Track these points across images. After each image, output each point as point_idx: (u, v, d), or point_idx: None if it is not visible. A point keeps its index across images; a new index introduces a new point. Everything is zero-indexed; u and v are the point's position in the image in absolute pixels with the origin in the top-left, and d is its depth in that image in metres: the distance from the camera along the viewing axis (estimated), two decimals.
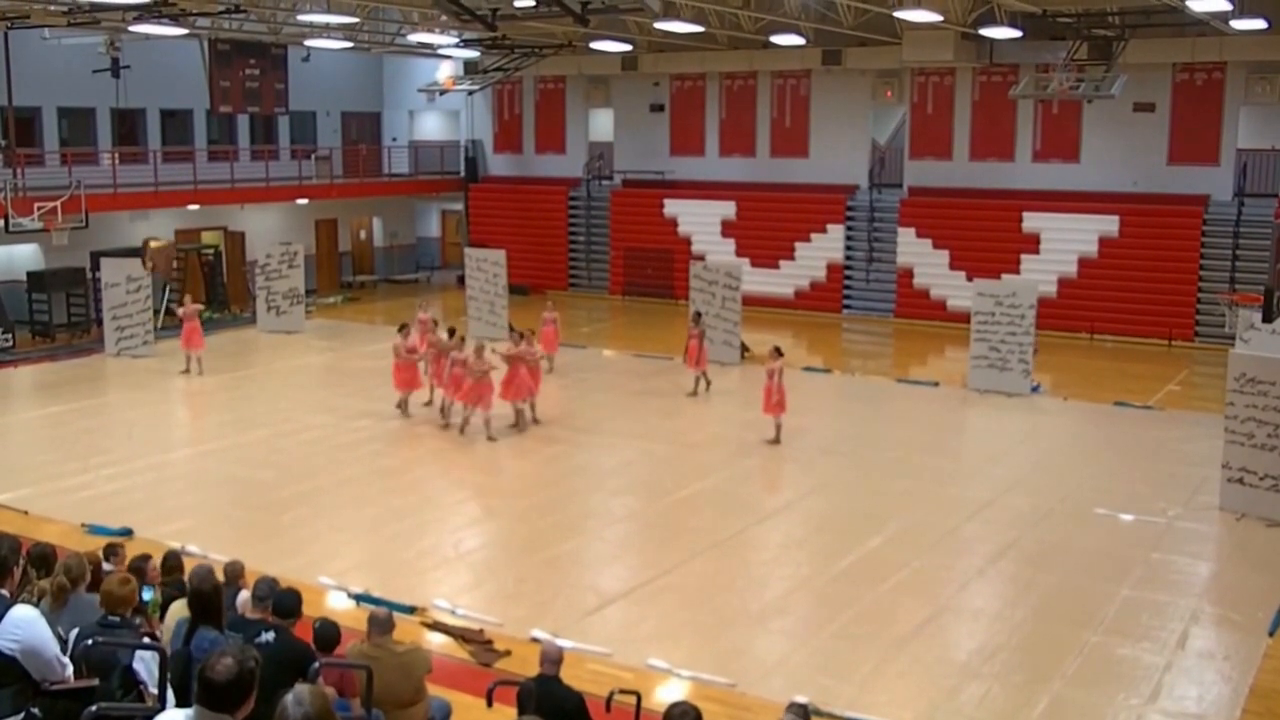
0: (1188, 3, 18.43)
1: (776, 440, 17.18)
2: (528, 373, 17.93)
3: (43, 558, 7.87)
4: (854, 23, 24.19)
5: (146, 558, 8.67)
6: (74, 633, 6.22)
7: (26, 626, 5.68)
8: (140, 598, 7.27)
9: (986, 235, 27.29)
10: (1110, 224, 26.21)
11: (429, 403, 18.99)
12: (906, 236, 28.38)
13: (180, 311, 22.38)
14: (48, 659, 5.70)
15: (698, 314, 21.56)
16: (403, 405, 18.78)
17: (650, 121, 32.36)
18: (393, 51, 32.47)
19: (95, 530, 12.94)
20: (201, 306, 23.26)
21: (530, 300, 29.02)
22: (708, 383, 20.54)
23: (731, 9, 23.55)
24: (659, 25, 23.57)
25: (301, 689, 3.97)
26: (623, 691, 7.75)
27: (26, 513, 13.86)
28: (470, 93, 33.36)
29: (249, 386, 21.70)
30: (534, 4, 19.97)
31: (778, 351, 17.36)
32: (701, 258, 28.34)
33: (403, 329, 19.04)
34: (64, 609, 6.68)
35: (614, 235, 32.47)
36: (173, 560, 9.26)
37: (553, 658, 7.37)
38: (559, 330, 22.37)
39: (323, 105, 34.15)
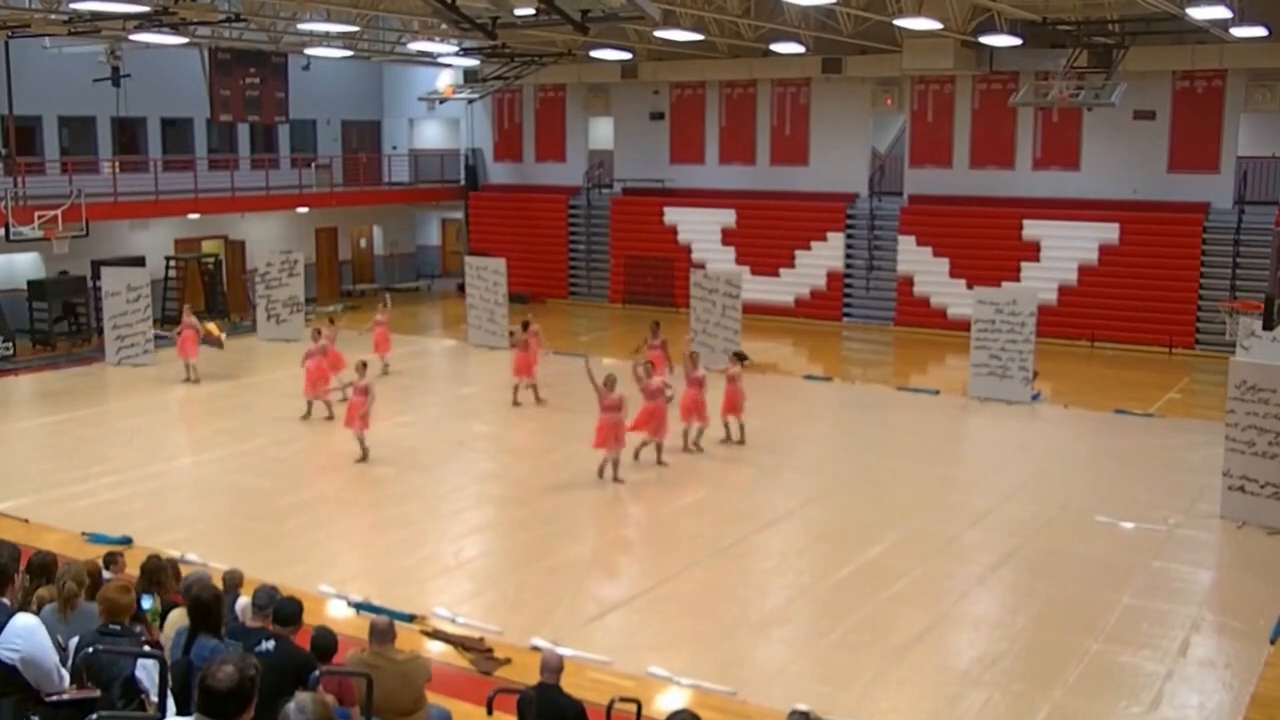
0: (1188, 10, 18.45)
1: (741, 440, 17.40)
2: (694, 398, 17.03)
3: (43, 566, 7.86)
4: (854, 31, 24.20)
5: (156, 557, 8.63)
6: (73, 641, 6.22)
7: (28, 635, 5.67)
8: (139, 606, 7.26)
9: (987, 243, 27.30)
10: (1110, 231, 26.23)
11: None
12: (906, 244, 28.40)
13: (198, 324, 22.39)
14: (47, 669, 5.69)
15: (656, 324, 20.88)
16: (319, 409, 19.08)
17: (650, 129, 32.39)
18: (393, 60, 32.52)
19: (95, 539, 12.93)
20: (197, 321, 23.21)
21: (531, 308, 28.97)
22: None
23: (731, 17, 23.57)
24: (659, 33, 23.62)
25: (303, 697, 3.99)
26: (623, 699, 7.74)
27: (27, 521, 13.86)
28: (470, 101, 33.39)
29: (249, 395, 21.70)
30: (534, 12, 19.96)
31: (738, 357, 17.79)
32: (702, 266, 28.34)
33: (316, 334, 19.45)
34: (71, 616, 6.68)
35: (614, 243, 32.49)
36: (171, 568, 9.23)
37: (553, 666, 7.37)
38: (540, 341, 21.85)
39: (323, 114, 34.19)
